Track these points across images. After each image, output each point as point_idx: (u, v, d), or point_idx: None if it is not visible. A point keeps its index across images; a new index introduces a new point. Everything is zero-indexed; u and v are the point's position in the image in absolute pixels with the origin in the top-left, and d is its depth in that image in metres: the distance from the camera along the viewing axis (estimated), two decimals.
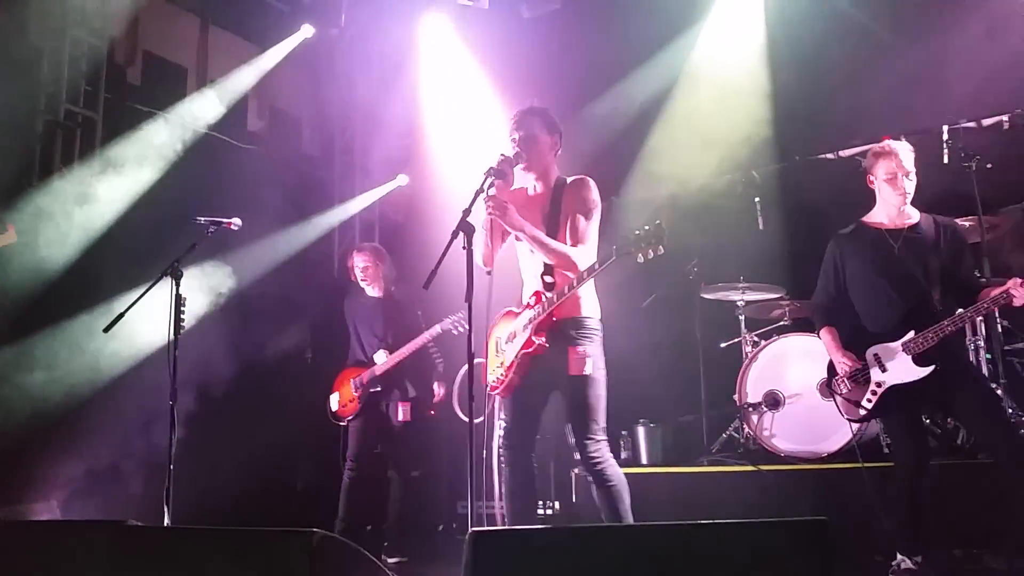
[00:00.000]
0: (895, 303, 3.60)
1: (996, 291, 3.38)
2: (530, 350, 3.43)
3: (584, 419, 3.41)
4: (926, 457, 3.66)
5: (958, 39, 5.33)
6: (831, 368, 3.78)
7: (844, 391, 3.70)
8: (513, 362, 3.48)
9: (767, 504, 4.47)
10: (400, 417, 5.17)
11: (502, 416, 3.60)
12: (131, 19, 6.09)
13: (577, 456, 3.50)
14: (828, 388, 3.82)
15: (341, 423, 5.32)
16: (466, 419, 3.68)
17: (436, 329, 4.95)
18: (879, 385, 3.59)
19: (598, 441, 3.43)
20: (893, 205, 3.69)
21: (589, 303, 3.53)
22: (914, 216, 3.72)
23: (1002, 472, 3.50)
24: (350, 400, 5.23)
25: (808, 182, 6.10)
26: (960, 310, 3.52)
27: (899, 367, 3.55)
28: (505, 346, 3.57)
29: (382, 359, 5.15)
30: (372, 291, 5.36)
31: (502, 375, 3.52)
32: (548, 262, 3.50)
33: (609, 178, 6.32)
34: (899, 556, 3.55)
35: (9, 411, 4.75)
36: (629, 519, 3.41)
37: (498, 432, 3.60)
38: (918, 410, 3.75)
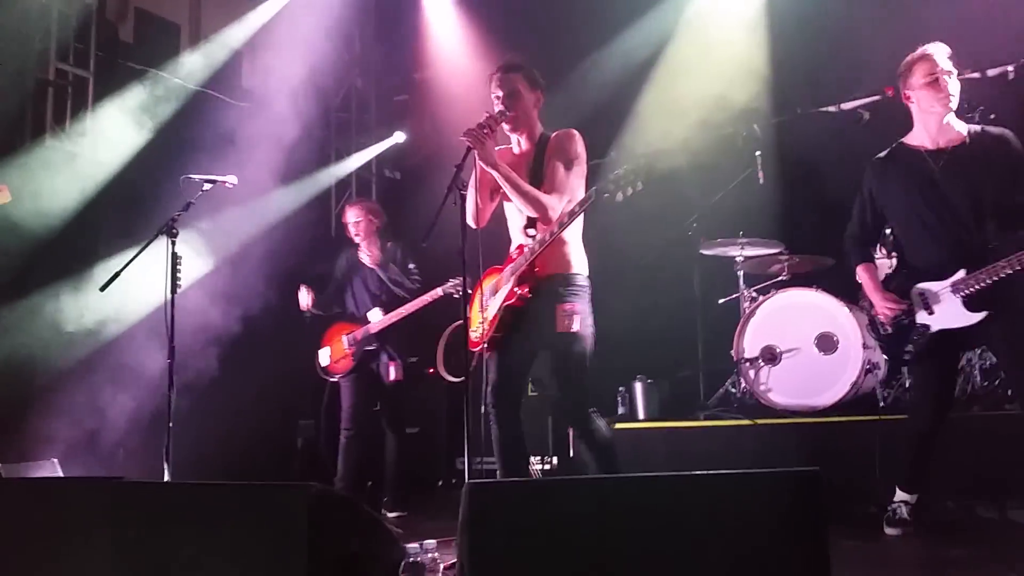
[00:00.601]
0: (940, 237, 3.25)
1: None
2: (512, 301, 3.41)
3: (569, 374, 3.40)
4: (947, 408, 3.46)
5: None
6: (870, 306, 3.52)
7: (885, 334, 3.44)
8: (496, 315, 3.46)
9: (762, 458, 4.50)
10: (392, 376, 5.14)
11: (488, 373, 3.56)
12: None
13: (561, 408, 3.52)
14: (869, 329, 3.58)
15: (331, 379, 5.27)
16: (450, 379, 3.71)
17: (437, 292, 4.90)
18: (925, 328, 3.29)
19: (581, 397, 3.42)
20: (936, 115, 3.30)
21: (577, 258, 3.49)
22: (961, 130, 3.33)
23: None
24: (343, 357, 5.18)
25: (809, 135, 6.02)
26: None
27: (947, 311, 3.22)
28: (489, 300, 3.55)
29: (377, 317, 5.11)
30: (366, 246, 5.29)
31: (485, 329, 3.50)
32: (523, 210, 3.45)
33: (605, 135, 6.28)
34: (897, 496, 3.49)
35: (8, 370, 4.77)
36: (616, 469, 3.43)
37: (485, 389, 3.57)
38: (955, 358, 3.47)
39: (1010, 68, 5.35)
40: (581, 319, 3.41)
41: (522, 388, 3.58)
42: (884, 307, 3.40)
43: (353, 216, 5.28)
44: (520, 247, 3.51)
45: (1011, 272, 3.10)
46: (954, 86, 3.30)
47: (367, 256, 5.26)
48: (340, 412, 5.22)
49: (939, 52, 3.34)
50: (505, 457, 3.50)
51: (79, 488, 2.83)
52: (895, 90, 3.62)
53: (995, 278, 3.13)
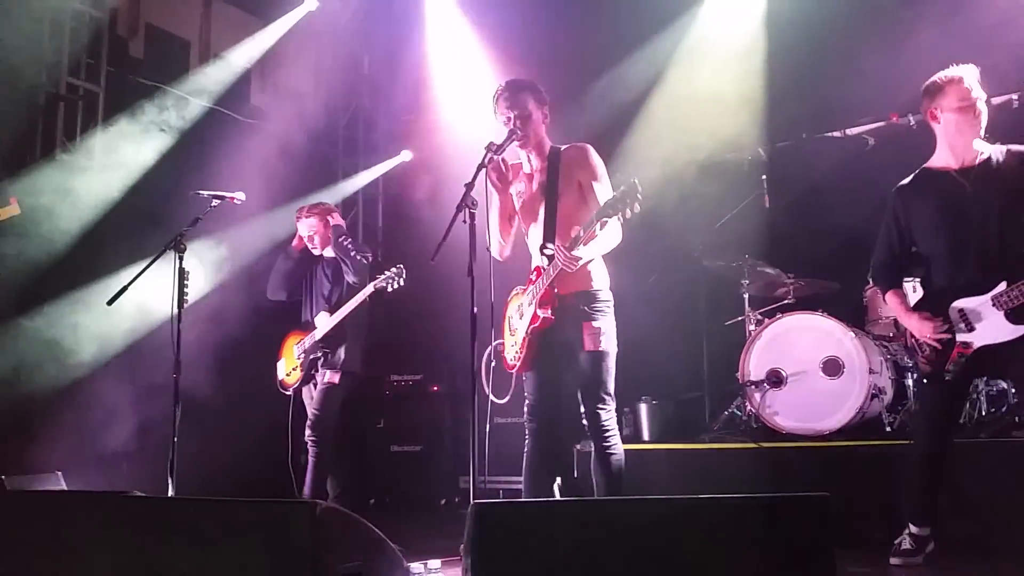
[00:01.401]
0: (977, 252, 3.18)
1: None
2: (537, 324, 3.44)
3: (597, 391, 3.45)
4: (953, 430, 3.42)
5: (968, 17, 5.26)
6: (908, 332, 3.42)
7: (924, 355, 3.33)
8: (524, 338, 3.51)
9: (768, 482, 4.48)
10: (326, 379, 4.73)
11: (525, 393, 3.62)
12: None
13: (586, 423, 3.53)
14: (908, 354, 3.51)
15: (287, 392, 4.93)
16: (498, 401, 3.75)
17: (369, 287, 4.63)
18: (966, 346, 3.18)
19: (609, 410, 3.47)
20: (966, 139, 3.25)
21: (599, 275, 3.52)
22: (985, 150, 3.28)
23: None
24: (293, 368, 4.90)
25: (815, 160, 6.05)
26: None
27: (990, 325, 3.12)
28: (516, 324, 3.60)
29: (323, 322, 4.79)
30: (326, 252, 4.95)
31: (518, 353, 3.55)
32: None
33: (612, 157, 6.31)
34: (908, 528, 3.44)
35: (15, 383, 4.77)
36: (622, 488, 3.46)
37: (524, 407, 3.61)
38: (969, 380, 3.41)
39: (1015, 96, 5.41)
40: (607, 336, 3.46)
41: (557, 405, 3.59)
42: (923, 328, 3.30)
43: (307, 229, 4.90)
44: (537, 269, 3.54)
45: None
46: (984, 112, 3.29)
47: (329, 251, 4.92)
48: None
49: (971, 75, 3.31)
50: (531, 474, 3.55)
51: (83, 501, 2.82)
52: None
53: None
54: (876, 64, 5.56)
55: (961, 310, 3.24)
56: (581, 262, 3.33)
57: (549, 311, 3.41)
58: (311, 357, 4.79)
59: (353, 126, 8.00)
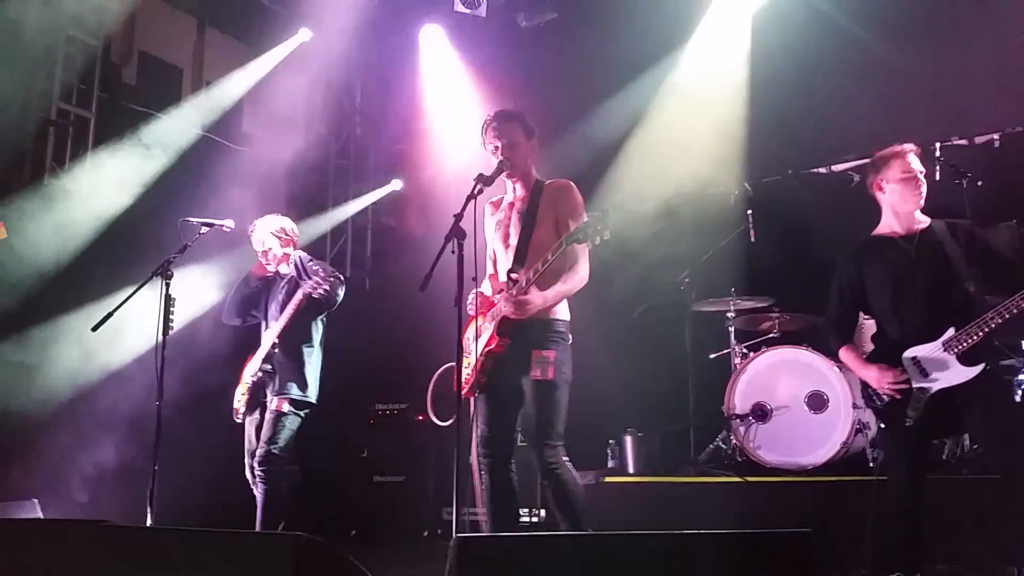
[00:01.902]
0: (924, 305, 3.40)
1: None
2: (492, 347, 3.42)
3: (541, 424, 3.36)
4: (924, 473, 3.49)
5: (951, 55, 5.37)
6: (864, 383, 3.57)
7: (882, 404, 3.47)
8: (478, 360, 3.45)
9: (752, 515, 4.47)
10: (272, 406, 4.45)
11: (479, 423, 3.52)
12: (127, 19, 6.10)
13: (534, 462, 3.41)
14: (866, 403, 3.60)
15: (238, 420, 4.62)
16: (440, 423, 3.66)
17: (298, 295, 4.41)
18: (923, 392, 3.36)
19: (555, 447, 3.37)
20: (908, 209, 3.52)
21: (560, 305, 3.51)
22: (925, 222, 3.55)
23: (1011, 491, 3.26)
24: (243, 394, 4.60)
25: (801, 196, 6.12)
26: (1011, 300, 3.18)
27: (944, 369, 3.32)
28: (472, 346, 3.53)
29: (266, 340, 4.52)
30: (283, 269, 4.71)
31: (469, 375, 3.49)
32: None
33: (599, 190, 6.37)
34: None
35: None
36: (585, 523, 3.35)
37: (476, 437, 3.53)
38: (940, 424, 3.46)
39: (996, 136, 5.50)
40: (556, 367, 3.39)
41: (512, 434, 3.52)
42: (881, 379, 3.46)
43: (263, 244, 4.64)
44: (502, 289, 3.52)
45: (1000, 322, 3.22)
46: (924, 187, 3.54)
47: (284, 267, 4.70)
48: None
49: (912, 151, 3.58)
50: (493, 508, 3.45)
51: (61, 530, 2.79)
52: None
53: (985, 330, 3.25)
54: (861, 101, 5.66)
55: (914, 358, 3.41)
56: (530, 307, 3.35)
57: (507, 336, 3.40)
58: (255, 380, 4.52)
59: (344, 155, 8.04)
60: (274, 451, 4.36)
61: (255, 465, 4.37)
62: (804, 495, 4.56)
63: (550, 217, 3.54)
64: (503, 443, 3.48)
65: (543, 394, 3.37)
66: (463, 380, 3.50)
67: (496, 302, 3.50)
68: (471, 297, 3.50)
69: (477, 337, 3.51)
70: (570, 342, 3.52)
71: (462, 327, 3.23)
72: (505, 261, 3.58)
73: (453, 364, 3.54)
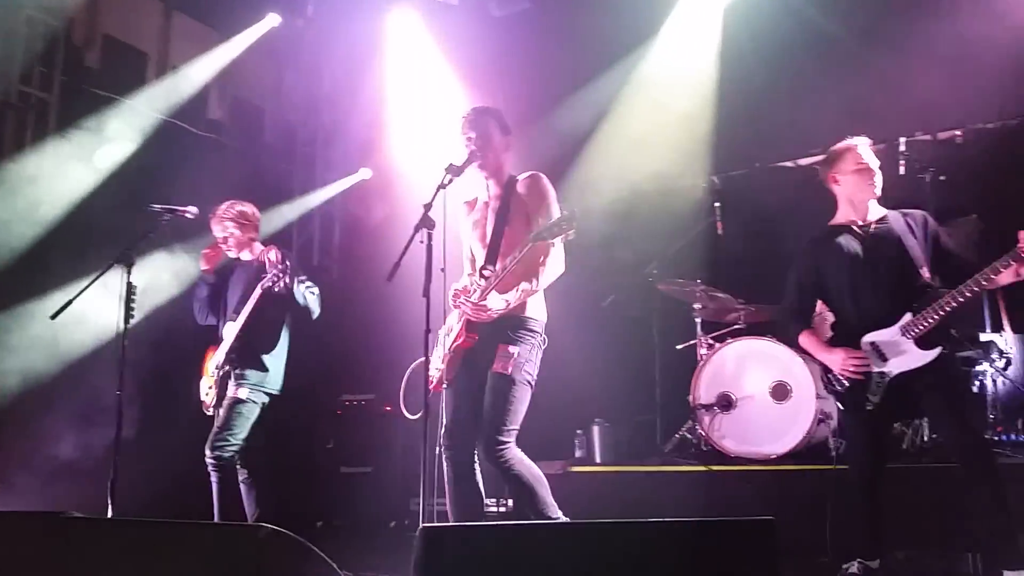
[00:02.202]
0: (880, 291, 3.49)
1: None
2: (459, 342, 3.44)
3: (493, 418, 3.35)
4: (886, 459, 3.59)
5: (916, 51, 5.45)
6: (824, 368, 3.64)
7: (843, 388, 3.54)
8: (446, 355, 3.49)
9: (717, 504, 4.53)
10: (229, 393, 4.42)
11: (443, 415, 3.54)
12: (91, 1, 5.97)
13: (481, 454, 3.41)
14: (826, 388, 3.68)
15: (209, 413, 4.56)
16: (411, 417, 3.67)
17: (258, 290, 4.36)
18: (883, 376, 3.43)
19: (505, 444, 3.35)
20: (863, 199, 3.62)
21: (534, 303, 3.52)
22: (881, 211, 3.66)
23: (969, 479, 3.37)
24: (210, 387, 4.55)
25: (767, 189, 6.19)
26: (964, 285, 3.27)
27: (902, 353, 3.40)
28: (443, 340, 3.56)
29: (229, 332, 4.46)
30: (244, 255, 4.68)
31: (439, 368, 3.51)
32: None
33: (569, 181, 6.38)
34: (857, 561, 3.51)
35: None
36: (550, 511, 3.36)
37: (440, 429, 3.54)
38: (897, 408, 3.56)
39: (959, 132, 5.60)
40: (519, 364, 3.39)
41: (475, 427, 3.49)
42: (845, 363, 3.51)
43: (222, 230, 4.60)
44: (466, 288, 3.54)
45: (955, 305, 3.32)
46: (879, 178, 3.62)
47: (247, 254, 4.67)
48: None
49: (864, 144, 3.67)
50: (456, 499, 3.45)
51: (14, 522, 2.73)
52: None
53: (941, 313, 3.34)
54: (828, 96, 5.71)
55: (873, 343, 3.49)
56: (490, 312, 3.36)
57: (475, 332, 3.42)
58: (221, 373, 4.48)
59: (311, 143, 7.95)
60: (228, 438, 4.31)
61: (207, 450, 4.31)
62: (767, 483, 4.63)
63: (521, 212, 3.55)
64: (466, 435, 3.46)
65: (499, 388, 3.37)
66: (434, 373, 3.49)
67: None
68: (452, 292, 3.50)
69: (448, 331, 3.52)
70: (543, 342, 3.52)
71: (429, 318, 3.22)
72: (479, 258, 3.59)
73: (422, 360, 3.52)
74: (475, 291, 3.45)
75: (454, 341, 3.46)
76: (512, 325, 3.44)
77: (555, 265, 3.49)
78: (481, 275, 3.48)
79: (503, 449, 3.34)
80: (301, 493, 6.04)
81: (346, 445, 6.33)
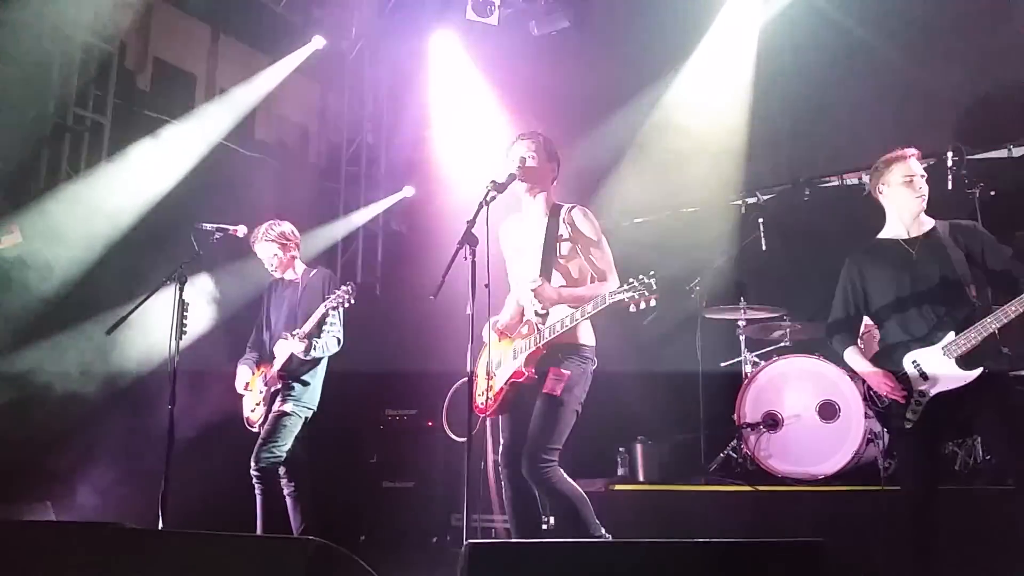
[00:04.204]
0: (926, 308, 3.44)
1: None
2: (520, 380, 3.50)
3: (538, 437, 3.40)
4: (938, 481, 3.51)
5: (964, 65, 5.36)
6: (867, 385, 3.61)
7: (882, 406, 3.52)
8: (503, 389, 3.55)
9: (763, 525, 4.46)
10: (275, 407, 4.53)
11: (501, 435, 3.63)
12: (143, 26, 6.16)
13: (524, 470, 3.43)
14: (867, 405, 3.68)
15: (253, 429, 4.64)
16: (455, 437, 3.72)
17: (321, 308, 4.47)
18: (923, 395, 3.40)
19: (549, 462, 3.39)
20: (910, 212, 3.57)
21: (585, 331, 3.58)
22: (930, 224, 3.60)
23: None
24: (257, 403, 4.66)
25: (811, 205, 6.12)
26: (1008, 305, 3.24)
27: (943, 373, 3.36)
28: (496, 370, 3.62)
29: (282, 349, 4.56)
30: (288, 275, 4.79)
31: (491, 400, 3.56)
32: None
33: (609, 197, 6.38)
34: None
35: (7, 413, 4.75)
36: (593, 529, 3.40)
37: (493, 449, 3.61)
38: (947, 428, 3.52)
39: (1010, 147, 5.49)
40: (569, 387, 3.45)
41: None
42: (882, 383, 3.50)
43: (264, 251, 4.71)
44: (530, 324, 3.57)
45: (998, 327, 3.27)
46: (926, 189, 3.57)
47: (291, 273, 4.78)
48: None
49: (913, 156, 3.62)
50: (515, 517, 3.53)
51: (72, 532, 2.80)
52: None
53: (984, 334, 3.29)
54: (872, 111, 5.65)
55: (915, 361, 3.45)
56: (547, 298, 3.44)
57: (533, 370, 3.48)
58: (272, 390, 4.59)
59: (356, 161, 8.06)
60: (272, 449, 4.42)
61: (252, 463, 4.41)
62: (815, 505, 4.54)
63: (570, 238, 3.60)
64: (520, 455, 3.51)
65: (548, 408, 3.43)
66: (484, 403, 3.58)
67: (524, 333, 3.57)
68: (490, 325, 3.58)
69: (500, 363, 3.59)
70: (593, 366, 3.57)
71: (473, 334, 3.25)
72: (527, 273, 3.61)
73: (464, 380, 3.60)
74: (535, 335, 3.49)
75: (512, 376, 3.51)
76: (565, 351, 3.50)
77: (611, 283, 3.52)
78: (536, 312, 3.54)
79: (546, 468, 3.38)
80: (344, 507, 6.08)
81: (389, 460, 6.37)
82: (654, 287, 3.15)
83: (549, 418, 3.41)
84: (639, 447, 5.52)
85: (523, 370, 3.48)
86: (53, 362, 5.00)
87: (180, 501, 4.05)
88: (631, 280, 3.20)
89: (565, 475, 3.44)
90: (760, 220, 5.92)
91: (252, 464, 4.40)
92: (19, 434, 4.75)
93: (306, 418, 4.57)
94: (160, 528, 3.76)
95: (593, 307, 3.36)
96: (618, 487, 5.17)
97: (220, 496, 5.10)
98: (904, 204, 3.59)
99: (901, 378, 3.47)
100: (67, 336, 5.10)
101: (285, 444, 4.46)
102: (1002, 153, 5.52)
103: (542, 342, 3.46)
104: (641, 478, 5.46)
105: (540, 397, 3.44)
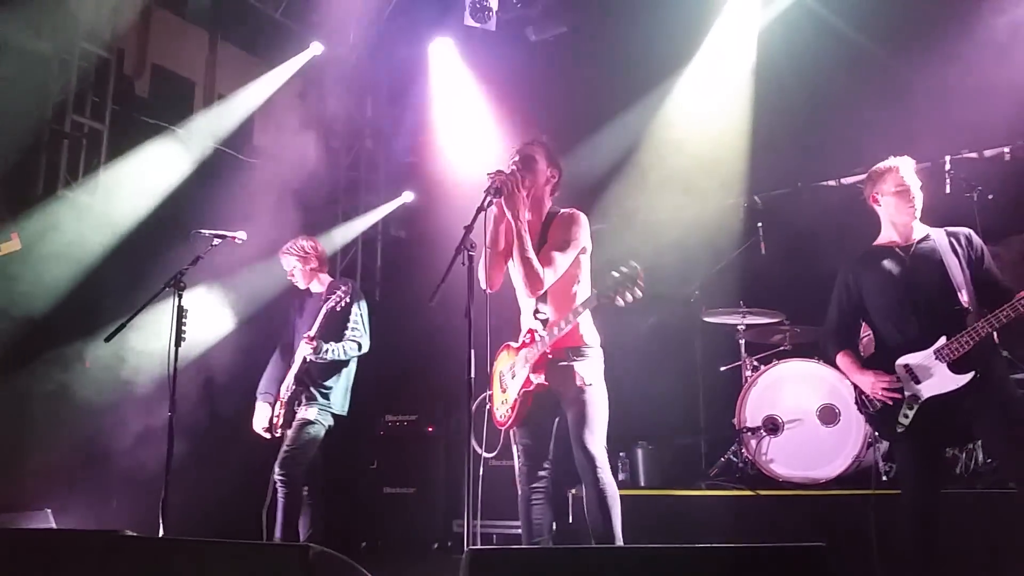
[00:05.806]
0: (919, 313, 3.48)
1: None
2: (530, 389, 3.50)
3: (582, 431, 3.42)
4: (939, 485, 3.53)
5: (961, 69, 5.37)
6: (859, 390, 3.64)
7: (874, 410, 3.55)
8: (516, 400, 3.56)
9: (764, 530, 4.45)
10: (299, 414, 4.62)
11: (520, 440, 3.65)
12: (141, 32, 6.16)
13: (576, 459, 3.48)
14: (859, 409, 3.67)
15: (269, 436, 4.74)
16: (485, 455, 3.76)
17: (322, 311, 4.60)
18: (915, 399, 3.44)
19: (600, 455, 3.43)
20: (903, 221, 3.62)
21: (588, 332, 3.59)
22: (924, 231, 3.64)
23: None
24: (279, 409, 4.75)
25: (810, 209, 6.12)
26: (999, 310, 3.28)
27: (935, 377, 3.40)
28: (508, 382, 3.64)
29: (299, 354, 4.66)
30: (314, 287, 4.93)
31: (508, 412, 3.59)
32: (517, 271, 3.54)
33: (609, 204, 6.38)
34: None
35: (6, 420, 4.74)
36: (617, 534, 3.40)
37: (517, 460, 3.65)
38: (945, 432, 3.53)
39: (1007, 149, 5.50)
40: (592, 378, 3.49)
41: (547, 455, 3.62)
42: (875, 385, 3.53)
43: (287, 264, 4.89)
44: (531, 332, 3.58)
45: (990, 331, 3.31)
46: (919, 199, 3.61)
47: (316, 285, 4.90)
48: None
49: (906, 164, 3.65)
50: (530, 527, 3.58)
51: (72, 540, 2.80)
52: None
53: (976, 339, 3.33)
54: (870, 114, 5.66)
55: (906, 365, 3.48)
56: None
57: (543, 376, 3.48)
58: (290, 394, 4.69)
59: (355, 167, 8.08)
60: (297, 456, 4.52)
61: (276, 468, 4.50)
62: (816, 509, 4.53)
63: (550, 247, 3.59)
64: (542, 463, 3.60)
65: (579, 400, 3.45)
66: (503, 416, 3.61)
67: (527, 343, 3.57)
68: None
69: (513, 375, 3.60)
70: (601, 356, 3.60)
71: (471, 339, 3.24)
72: (528, 299, 3.62)
73: (490, 393, 3.71)
74: (540, 340, 3.50)
75: (523, 386, 3.52)
76: (575, 352, 3.51)
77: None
78: (535, 317, 3.56)
79: (599, 462, 3.40)
80: (345, 514, 6.08)
81: (389, 466, 6.36)
82: (637, 273, 3.13)
83: (584, 408, 3.42)
84: (640, 452, 5.52)
85: (531, 378, 3.48)
86: (52, 369, 4.99)
87: (181, 508, 4.05)
88: (613, 272, 3.18)
89: (610, 472, 3.45)
90: (759, 224, 5.92)
91: (276, 469, 4.50)
92: (19, 441, 4.75)
93: (329, 425, 4.67)
94: (161, 535, 3.76)
95: (584, 305, 3.37)
96: (620, 492, 5.14)
97: (221, 503, 5.11)
98: (897, 213, 3.63)
99: (893, 381, 3.50)
100: (65, 343, 5.09)
101: (311, 450, 4.59)
102: (1000, 156, 5.52)
103: (544, 347, 3.46)
104: (642, 483, 5.45)
105: (567, 397, 3.45)
